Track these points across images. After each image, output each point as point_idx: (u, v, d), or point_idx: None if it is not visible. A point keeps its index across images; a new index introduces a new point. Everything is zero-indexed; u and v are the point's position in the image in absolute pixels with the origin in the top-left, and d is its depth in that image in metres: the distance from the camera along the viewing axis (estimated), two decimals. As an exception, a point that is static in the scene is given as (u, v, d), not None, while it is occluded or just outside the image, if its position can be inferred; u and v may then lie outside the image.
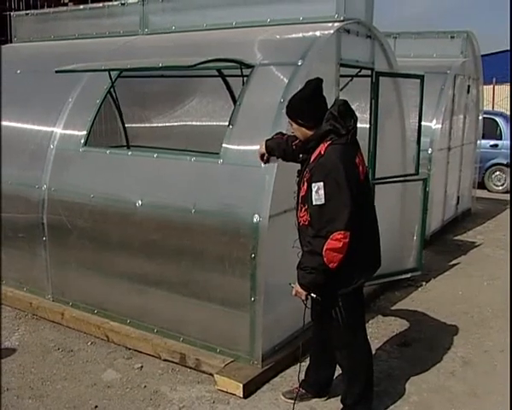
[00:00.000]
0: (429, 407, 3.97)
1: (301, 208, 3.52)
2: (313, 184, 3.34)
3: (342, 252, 3.29)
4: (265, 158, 4.00)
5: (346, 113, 3.45)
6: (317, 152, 3.43)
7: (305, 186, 3.45)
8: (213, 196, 4.36)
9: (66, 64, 5.22)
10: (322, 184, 3.30)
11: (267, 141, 3.93)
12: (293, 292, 3.54)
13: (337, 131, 3.40)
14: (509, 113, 14.70)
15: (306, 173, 3.47)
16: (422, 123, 6.04)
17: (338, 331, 3.63)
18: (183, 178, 4.62)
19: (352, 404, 3.75)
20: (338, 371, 3.94)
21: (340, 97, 4.98)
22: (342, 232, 3.26)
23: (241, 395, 4.01)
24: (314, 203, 3.33)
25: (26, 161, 5.58)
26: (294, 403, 3.83)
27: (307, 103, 3.53)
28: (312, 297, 3.47)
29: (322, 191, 3.30)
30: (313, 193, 3.33)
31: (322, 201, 3.30)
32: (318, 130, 3.45)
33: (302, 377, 3.98)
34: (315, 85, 3.55)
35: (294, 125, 3.59)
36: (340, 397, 3.85)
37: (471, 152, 9.84)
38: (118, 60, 5.47)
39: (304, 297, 3.48)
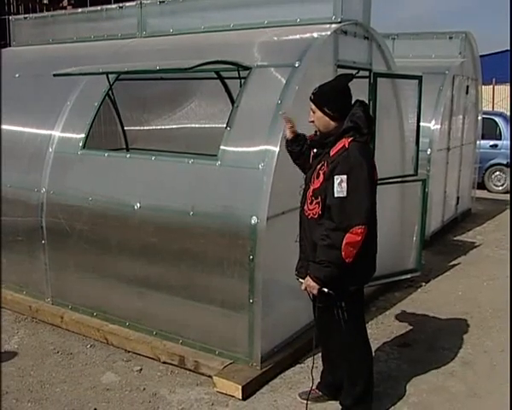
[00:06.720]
0: (429, 408, 3.97)
1: (312, 201, 3.51)
2: (336, 177, 3.33)
3: (358, 247, 3.31)
4: (290, 130, 3.81)
5: (368, 114, 3.50)
6: (339, 145, 3.42)
7: (321, 178, 3.44)
8: (211, 198, 4.36)
9: (65, 67, 5.22)
10: (345, 177, 3.31)
11: (300, 133, 3.85)
12: (303, 286, 3.51)
13: (359, 129, 3.42)
14: (508, 113, 14.69)
15: (323, 166, 3.46)
16: (421, 124, 6.06)
17: (339, 331, 3.61)
18: (182, 180, 4.62)
19: (352, 405, 3.74)
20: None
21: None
22: (362, 227, 3.29)
23: (240, 397, 4.01)
24: (336, 195, 3.33)
25: (25, 164, 5.58)
26: (307, 404, 3.82)
27: (338, 95, 3.52)
28: (324, 292, 3.43)
29: (345, 184, 3.30)
30: (335, 185, 3.32)
31: (345, 194, 3.30)
32: (341, 124, 3.46)
33: (315, 373, 3.92)
34: (347, 80, 3.58)
35: (318, 113, 3.54)
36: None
37: (470, 152, 9.84)
38: (116, 63, 5.47)
39: (315, 291, 3.44)
